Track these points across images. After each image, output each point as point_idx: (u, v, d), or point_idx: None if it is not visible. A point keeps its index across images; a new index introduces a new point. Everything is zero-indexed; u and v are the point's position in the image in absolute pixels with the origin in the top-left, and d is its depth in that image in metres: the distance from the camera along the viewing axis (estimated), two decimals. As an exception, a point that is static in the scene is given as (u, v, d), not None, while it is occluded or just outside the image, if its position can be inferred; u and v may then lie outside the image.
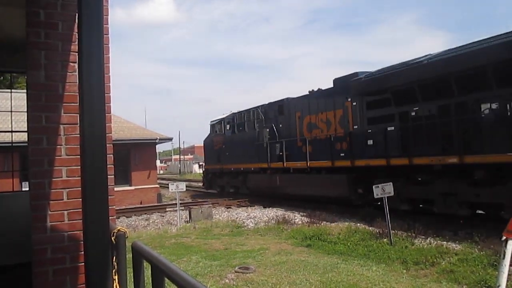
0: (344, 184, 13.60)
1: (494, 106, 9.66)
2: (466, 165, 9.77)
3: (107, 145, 2.28)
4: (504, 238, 4.82)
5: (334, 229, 10.79)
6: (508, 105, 9.21)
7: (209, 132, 23.79)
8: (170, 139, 25.96)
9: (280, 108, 17.55)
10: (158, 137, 23.02)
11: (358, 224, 11.45)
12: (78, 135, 2.43)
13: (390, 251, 8.28)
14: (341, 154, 13.67)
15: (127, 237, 2.48)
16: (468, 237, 9.00)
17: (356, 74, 13.83)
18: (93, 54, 2.12)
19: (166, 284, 2.06)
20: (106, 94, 2.23)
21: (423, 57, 11.65)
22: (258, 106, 19.20)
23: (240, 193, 20.54)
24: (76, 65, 2.81)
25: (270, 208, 16.34)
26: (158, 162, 60.93)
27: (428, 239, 9.09)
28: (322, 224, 11.78)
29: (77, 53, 2.37)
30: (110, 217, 2.33)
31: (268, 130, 17.90)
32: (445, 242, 8.76)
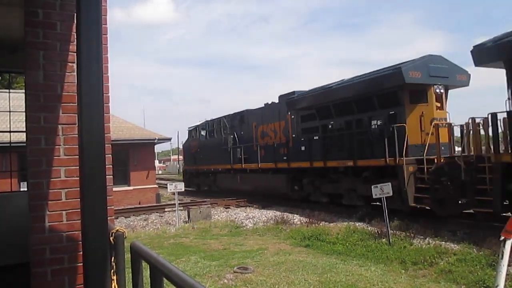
0: (284, 182, 16.64)
1: (379, 122, 12.92)
2: (359, 167, 12.87)
3: (106, 145, 2.28)
4: (502, 238, 4.82)
5: (333, 229, 10.80)
6: (385, 123, 12.36)
7: (187, 137, 27.27)
8: (169, 139, 25.98)
9: (241, 118, 20.43)
10: (156, 137, 23.00)
11: (357, 224, 11.46)
12: (77, 135, 2.43)
13: (388, 251, 8.29)
14: (284, 158, 16.45)
15: (125, 237, 2.47)
16: (467, 237, 9.02)
17: (293, 92, 16.71)
18: (91, 54, 2.11)
19: (164, 284, 2.06)
20: (104, 94, 2.23)
21: (335, 82, 14.70)
22: (225, 116, 22.08)
23: (212, 191, 23.81)
24: (75, 65, 2.81)
25: (269, 208, 16.36)
26: (156, 162, 60.85)
27: (427, 239, 9.11)
28: (321, 224, 11.78)
29: (75, 53, 2.36)
30: (108, 217, 2.33)
31: (232, 136, 20.76)
32: (443, 242, 8.77)
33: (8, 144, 12.27)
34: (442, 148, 11.29)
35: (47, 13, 2.86)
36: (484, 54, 9.62)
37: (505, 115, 9.30)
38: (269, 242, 10.08)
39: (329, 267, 7.38)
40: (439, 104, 11.90)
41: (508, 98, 9.37)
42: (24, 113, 2.92)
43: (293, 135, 16.18)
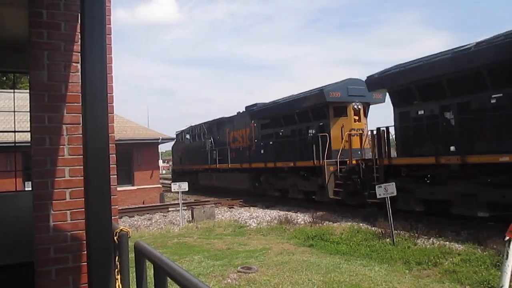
0: (247, 180, 19.93)
1: (313, 131, 15.94)
2: (297, 167, 16.17)
3: (110, 145, 2.29)
4: (507, 238, 4.80)
5: (337, 229, 10.78)
6: (316, 132, 15.50)
7: (175, 140, 30.06)
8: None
9: (218, 124, 23.84)
10: (160, 137, 23.05)
11: (361, 224, 11.43)
12: (81, 135, 2.44)
13: (392, 251, 8.26)
14: (248, 159, 19.50)
15: (129, 236, 2.48)
16: (471, 238, 8.98)
17: (255, 104, 20.57)
18: (95, 54, 2.12)
19: (168, 284, 2.06)
20: (108, 94, 2.23)
21: (283, 98, 18.15)
22: (205, 122, 25.63)
23: (195, 188, 26.16)
24: (79, 65, 2.82)
25: (273, 208, 16.36)
26: (160, 162, 60.86)
27: (431, 239, 9.07)
28: (325, 224, 11.77)
29: (79, 53, 2.37)
30: (112, 217, 2.33)
31: (210, 140, 24.16)
32: (447, 242, 8.74)
33: (13, 144, 12.34)
34: (359, 152, 14.35)
35: (51, 13, 2.87)
36: (373, 83, 13.24)
37: (391, 129, 12.50)
38: (272, 242, 10.08)
39: (333, 267, 7.37)
40: (357, 118, 15.23)
41: (394, 116, 12.35)
42: (28, 113, 2.93)
43: (255, 140, 19.47)
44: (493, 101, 9.63)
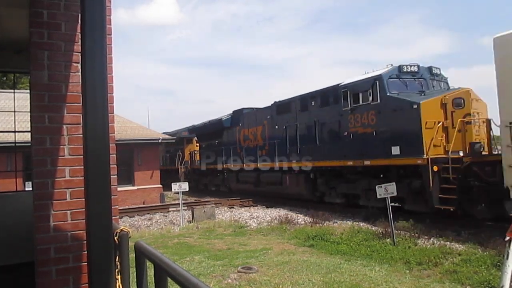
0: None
1: (179, 152, 28.85)
2: (173, 169, 29.56)
3: (110, 145, 2.28)
4: (507, 238, 4.79)
5: (337, 229, 10.78)
6: (179, 151, 29.03)
7: None
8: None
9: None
10: (160, 137, 23.07)
11: (361, 224, 11.43)
12: (81, 135, 2.44)
13: (393, 251, 8.26)
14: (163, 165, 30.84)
15: (130, 237, 2.48)
16: (472, 238, 8.98)
17: (166, 133, 30.90)
18: (95, 54, 2.12)
19: (168, 284, 2.06)
20: (109, 94, 2.23)
21: (174, 131, 32.71)
22: None
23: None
24: (79, 65, 2.82)
25: (273, 208, 16.35)
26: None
27: (431, 239, 9.07)
28: (325, 224, 11.76)
29: (80, 54, 2.37)
30: (113, 217, 2.33)
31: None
32: (448, 243, 8.73)
33: (13, 144, 12.34)
34: (200, 161, 25.73)
35: (52, 13, 2.87)
36: (191, 131, 28.50)
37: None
38: (273, 242, 10.08)
39: (333, 267, 7.37)
40: (197, 145, 27.49)
41: (199, 146, 27.25)
42: (29, 113, 2.94)
43: (167, 155, 32.04)
44: (217, 143, 22.97)
